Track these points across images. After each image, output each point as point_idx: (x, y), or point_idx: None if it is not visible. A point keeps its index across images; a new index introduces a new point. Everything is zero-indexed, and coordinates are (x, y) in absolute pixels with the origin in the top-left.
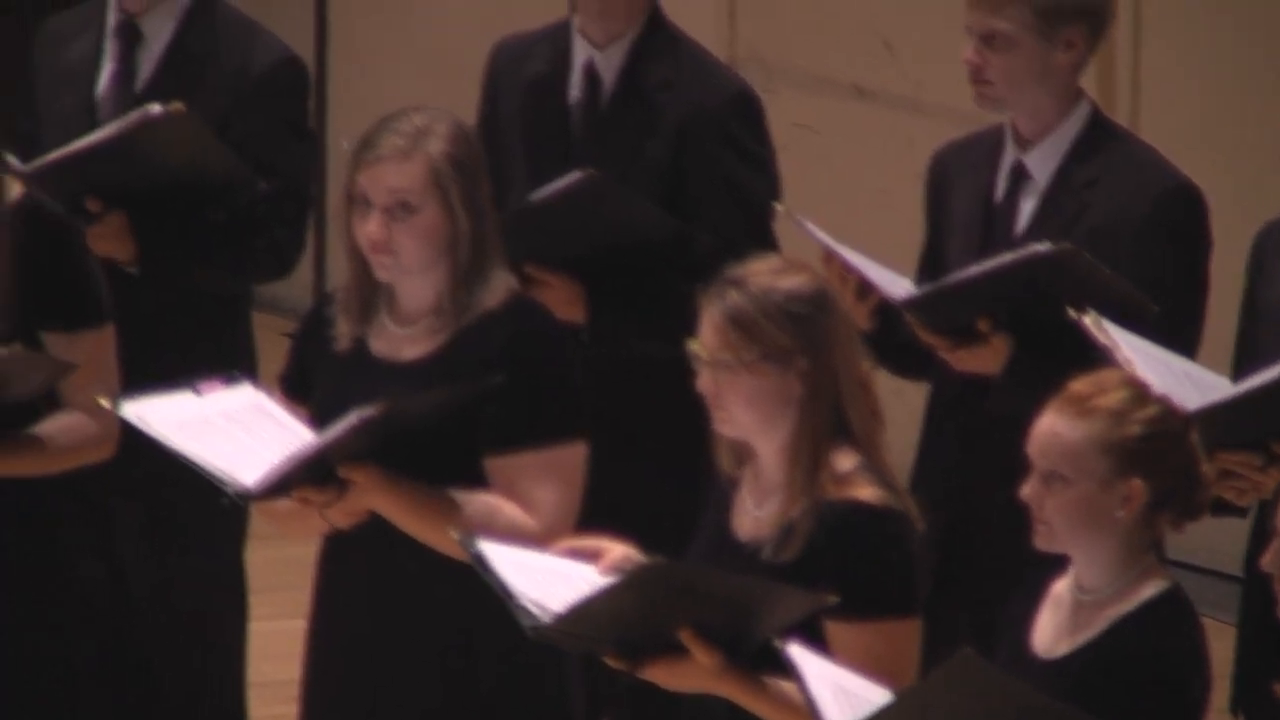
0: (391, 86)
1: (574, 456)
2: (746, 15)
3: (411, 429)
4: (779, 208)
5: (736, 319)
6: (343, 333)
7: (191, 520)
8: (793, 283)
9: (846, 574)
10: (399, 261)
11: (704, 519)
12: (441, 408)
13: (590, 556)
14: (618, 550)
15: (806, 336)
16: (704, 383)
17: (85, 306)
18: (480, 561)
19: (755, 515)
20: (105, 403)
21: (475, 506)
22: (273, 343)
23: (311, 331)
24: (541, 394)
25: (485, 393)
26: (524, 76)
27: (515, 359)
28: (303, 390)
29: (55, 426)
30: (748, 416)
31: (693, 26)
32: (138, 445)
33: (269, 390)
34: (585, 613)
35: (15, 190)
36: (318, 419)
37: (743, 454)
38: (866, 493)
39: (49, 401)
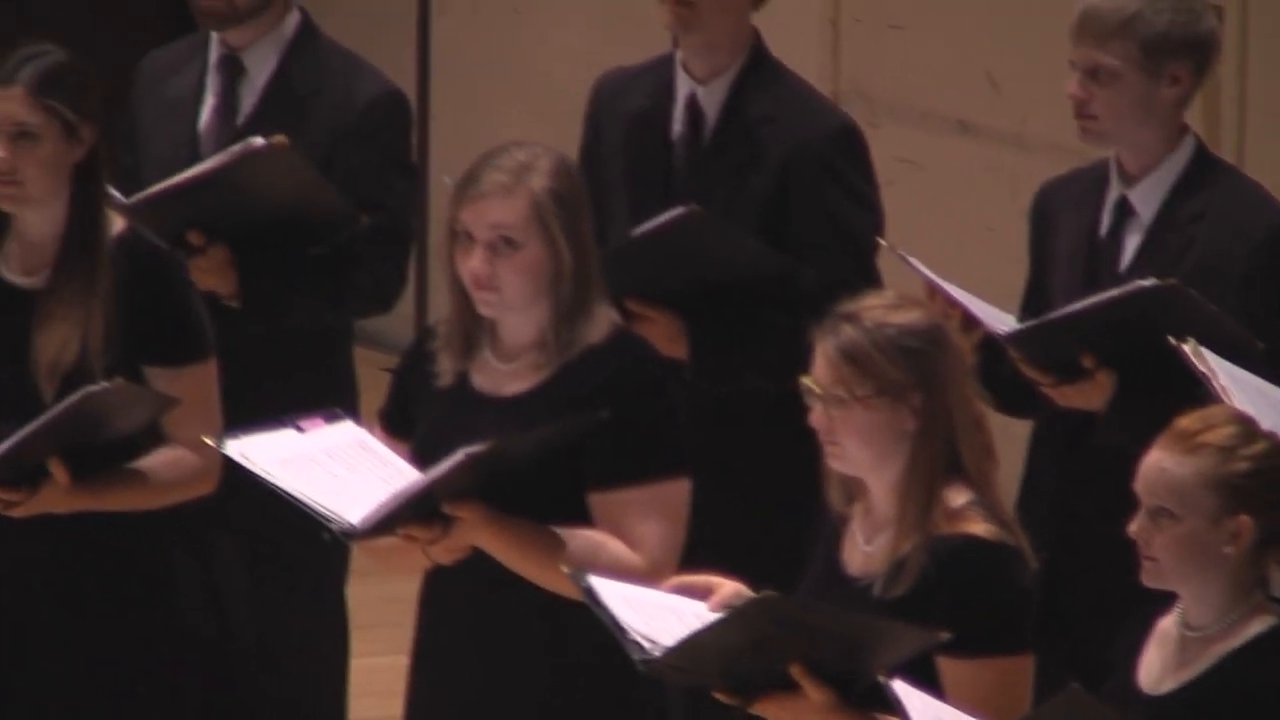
0: (494, 121)
1: (678, 492)
2: (850, 50)
3: (516, 465)
4: (882, 242)
5: (850, 354)
6: (445, 368)
7: (294, 556)
8: (906, 317)
9: (959, 610)
10: (502, 297)
11: (813, 555)
12: (547, 444)
13: (701, 593)
14: (728, 587)
15: (920, 371)
16: (817, 418)
17: (188, 341)
18: (591, 595)
19: (865, 551)
20: (209, 440)
21: (580, 543)
22: (374, 377)
23: (412, 366)
24: (645, 430)
25: (590, 429)
26: (626, 110)
27: (618, 394)
28: (403, 426)
29: (158, 461)
30: (861, 452)
31: (796, 61)
32: (240, 480)
33: (369, 425)
34: (696, 646)
35: (118, 224)
36: (419, 454)
37: (853, 490)
38: (979, 528)
39: (151, 436)
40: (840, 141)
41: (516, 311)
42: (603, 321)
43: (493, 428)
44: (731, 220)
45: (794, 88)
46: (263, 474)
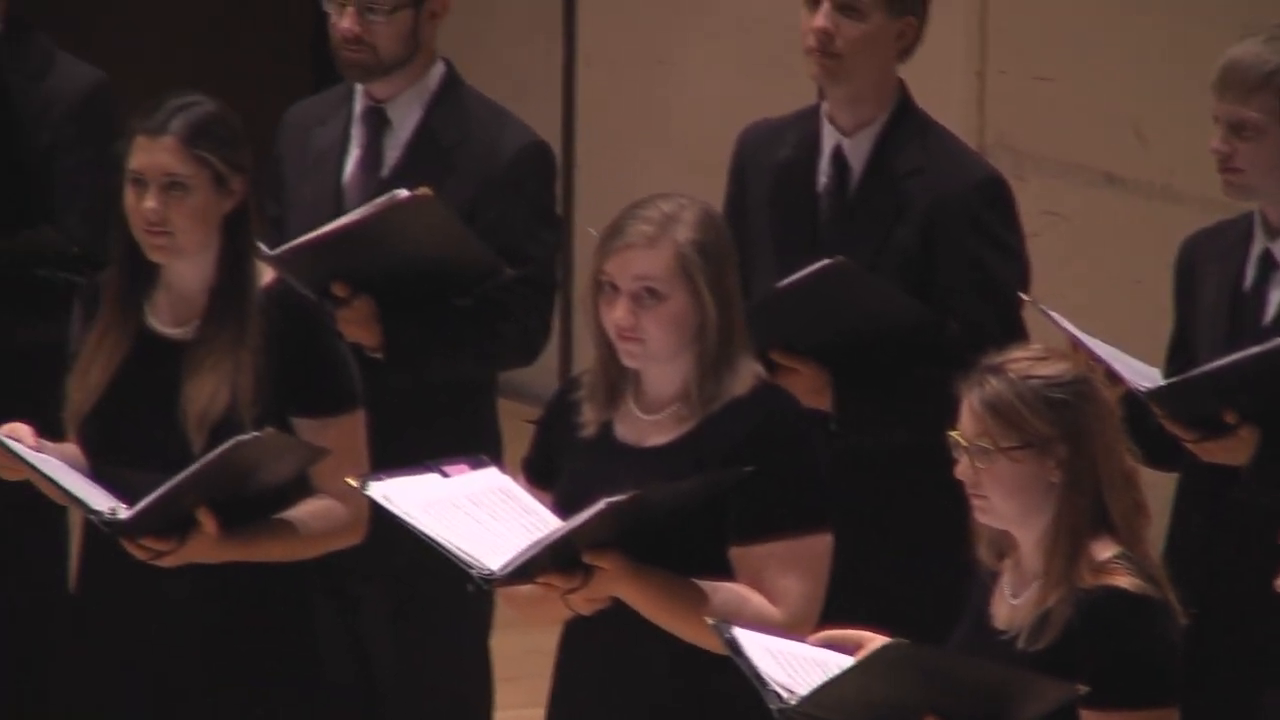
0: (638, 172)
1: (820, 546)
2: (996, 102)
3: (658, 517)
4: (1024, 298)
5: (995, 406)
6: (588, 419)
7: (439, 607)
8: (1052, 370)
9: (1104, 662)
10: (647, 349)
11: (966, 609)
12: (689, 496)
13: (850, 648)
14: (877, 642)
15: (1065, 424)
16: (963, 470)
17: (337, 392)
18: (734, 646)
19: (1012, 604)
20: (353, 481)
21: (723, 596)
22: (518, 429)
23: (556, 416)
24: (789, 483)
25: (733, 483)
26: (772, 162)
27: (762, 447)
28: (546, 476)
29: (306, 511)
30: (1006, 505)
31: (941, 113)
32: (386, 531)
33: (513, 475)
34: (831, 693)
35: (267, 275)
36: (562, 504)
37: (1003, 546)
38: (1125, 581)
39: (300, 486)
40: (987, 193)
41: (660, 363)
42: (746, 374)
43: (635, 479)
44: (877, 272)
45: (940, 139)
46: (405, 517)
